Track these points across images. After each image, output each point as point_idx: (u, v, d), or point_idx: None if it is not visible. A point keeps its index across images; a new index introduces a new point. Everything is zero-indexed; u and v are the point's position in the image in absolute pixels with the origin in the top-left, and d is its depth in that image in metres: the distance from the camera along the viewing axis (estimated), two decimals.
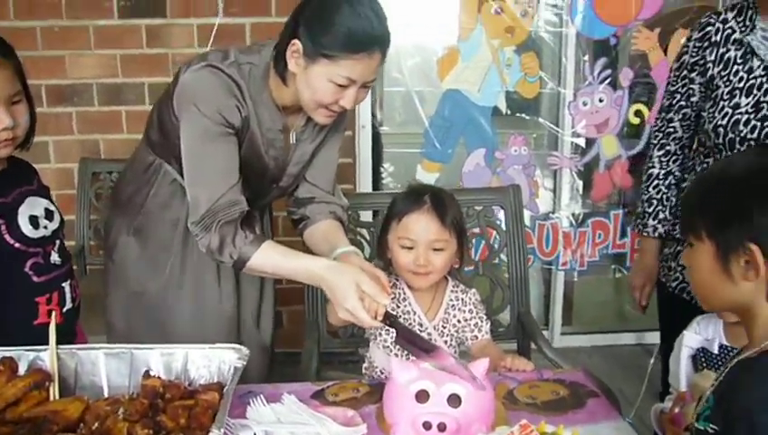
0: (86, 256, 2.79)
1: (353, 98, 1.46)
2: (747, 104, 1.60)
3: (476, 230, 2.13)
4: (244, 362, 1.22)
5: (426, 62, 3.07)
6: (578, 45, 3.08)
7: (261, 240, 1.48)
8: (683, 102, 1.78)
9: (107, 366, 1.26)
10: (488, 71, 3.04)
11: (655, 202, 1.85)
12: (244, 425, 1.21)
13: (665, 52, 3.11)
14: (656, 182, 1.85)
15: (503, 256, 2.15)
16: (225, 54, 1.52)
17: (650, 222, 1.85)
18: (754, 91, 1.60)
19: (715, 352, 1.60)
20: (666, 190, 1.83)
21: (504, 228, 2.10)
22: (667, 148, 1.83)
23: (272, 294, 1.87)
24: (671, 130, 1.82)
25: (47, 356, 1.24)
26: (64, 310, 1.48)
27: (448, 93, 3.07)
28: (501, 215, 2.13)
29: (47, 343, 1.25)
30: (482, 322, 1.71)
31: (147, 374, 1.21)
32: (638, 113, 3.17)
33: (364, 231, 2.08)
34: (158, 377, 1.20)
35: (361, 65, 1.42)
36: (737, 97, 1.62)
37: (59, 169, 2.89)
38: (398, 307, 1.68)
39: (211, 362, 1.26)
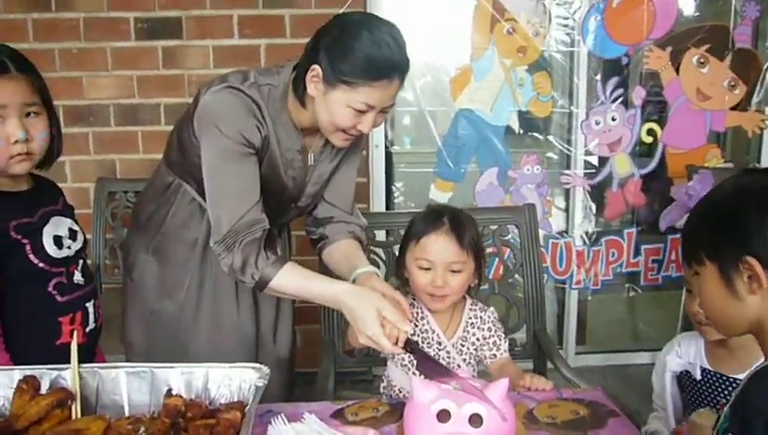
0: (101, 276, 2.80)
1: (371, 123, 1.48)
2: None
3: (491, 249, 2.13)
4: (265, 381, 1.22)
5: (438, 81, 3.09)
6: (590, 65, 3.09)
7: (282, 262, 1.49)
8: None
9: (128, 385, 1.26)
10: (501, 90, 3.06)
11: None
12: None
13: (677, 71, 3.12)
14: None
15: (517, 276, 2.15)
16: (244, 76, 1.54)
17: None
18: None
19: (698, 377, 1.59)
20: None
21: (519, 247, 2.10)
22: None
23: (290, 311, 1.87)
24: None
25: (69, 375, 1.24)
26: (87, 330, 1.49)
27: (461, 113, 3.08)
28: (516, 234, 2.13)
29: (69, 363, 1.26)
30: (500, 340, 1.71)
31: (169, 393, 1.20)
32: (650, 132, 3.17)
33: (380, 250, 2.09)
34: (180, 396, 1.20)
35: (380, 92, 1.43)
36: None
37: (75, 189, 2.91)
38: (417, 326, 1.68)
39: (232, 380, 1.26)
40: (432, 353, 1.68)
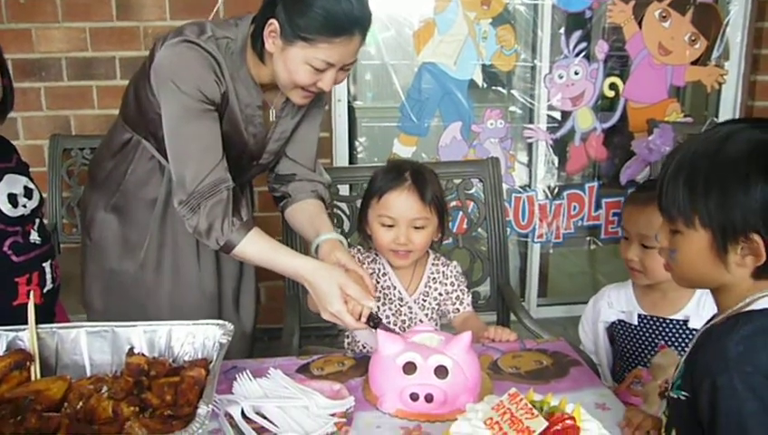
0: (59, 235, 2.74)
1: (331, 80, 1.44)
2: None
3: (455, 203, 2.13)
4: (229, 338, 1.21)
5: (401, 34, 3.04)
6: (553, 18, 3.07)
7: (248, 227, 1.46)
8: None
9: (88, 345, 1.24)
10: (464, 44, 3.02)
11: None
12: (231, 400, 1.20)
13: (639, 25, 3.12)
14: None
15: (481, 230, 2.16)
16: (201, 28, 1.48)
17: None
18: None
19: (635, 323, 1.63)
20: None
21: (483, 201, 2.11)
22: None
23: (253, 269, 1.84)
24: None
25: (26, 336, 1.21)
26: (45, 290, 1.45)
27: (424, 66, 3.05)
28: (479, 188, 2.13)
29: (26, 324, 1.23)
30: (463, 294, 1.72)
31: (131, 352, 1.19)
32: (612, 86, 3.19)
33: (343, 205, 2.07)
34: (143, 354, 1.19)
35: (340, 48, 1.39)
36: None
37: (29, 146, 2.81)
38: (378, 282, 1.69)
39: (195, 338, 1.24)
40: (393, 310, 1.69)
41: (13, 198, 1.39)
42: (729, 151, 0.95)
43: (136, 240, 1.64)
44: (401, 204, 1.62)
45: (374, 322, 1.42)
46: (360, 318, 1.40)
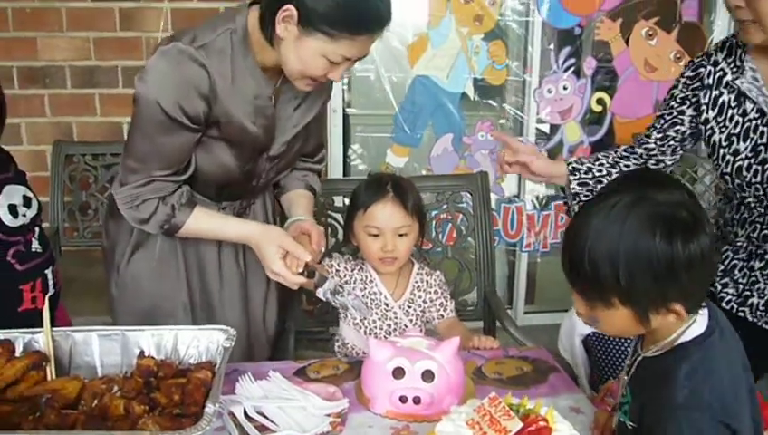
0: (60, 238, 2.82)
1: (342, 72, 1.42)
2: (746, 149, 1.49)
3: (445, 215, 2.22)
4: (232, 343, 1.29)
5: (396, 48, 3.13)
6: (543, 34, 3.16)
7: (192, 205, 1.49)
8: (667, 128, 1.65)
9: (100, 347, 1.32)
10: (457, 58, 3.12)
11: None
12: (234, 401, 1.29)
13: (626, 42, 3.22)
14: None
15: (470, 240, 2.25)
16: (194, 36, 1.41)
17: None
18: (750, 135, 1.48)
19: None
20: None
21: (472, 213, 2.20)
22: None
23: (275, 296, 1.81)
24: (644, 141, 1.70)
25: (42, 338, 1.29)
26: (47, 296, 1.51)
27: (418, 79, 3.14)
28: (469, 199, 2.22)
29: (35, 327, 1.30)
30: (447, 301, 1.81)
31: (141, 354, 1.27)
32: (599, 101, 3.28)
33: (338, 215, 2.15)
34: (152, 357, 1.27)
35: (360, 45, 1.36)
36: (735, 143, 1.50)
37: (32, 152, 2.89)
38: (365, 288, 1.78)
39: (200, 342, 1.33)
40: (380, 314, 1.78)
41: (13, 209, 1.43)
42: (632, 230, 0.96)
43: (167, 270, 1.63)
44: (386, 214, 1.72)
45: (308, 272, 1.49)
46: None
